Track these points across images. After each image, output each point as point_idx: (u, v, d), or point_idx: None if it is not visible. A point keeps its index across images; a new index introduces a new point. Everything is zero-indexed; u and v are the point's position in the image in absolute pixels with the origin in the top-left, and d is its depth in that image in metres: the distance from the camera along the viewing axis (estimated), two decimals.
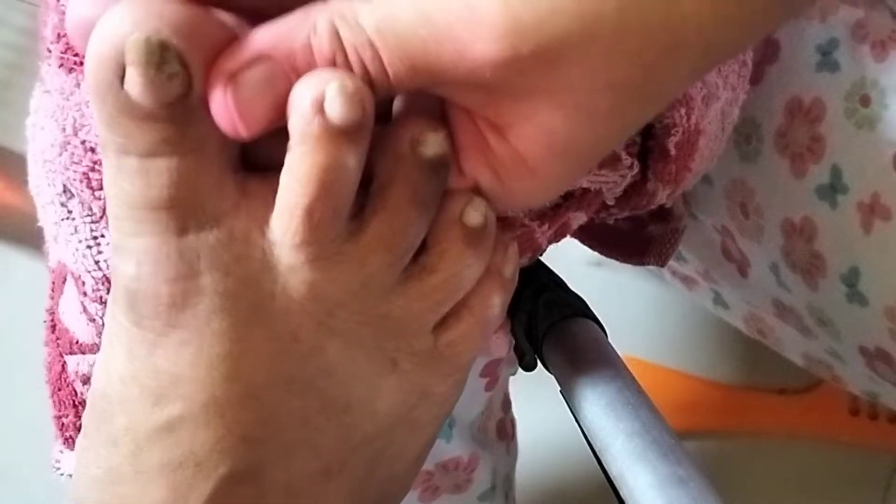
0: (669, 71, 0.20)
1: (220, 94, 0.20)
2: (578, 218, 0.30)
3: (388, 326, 0.24)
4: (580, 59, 0.20)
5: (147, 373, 0.23)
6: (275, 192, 0.22)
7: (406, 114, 0.23)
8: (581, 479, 0.73)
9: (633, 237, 0.39)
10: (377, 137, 0.22)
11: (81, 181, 0.26)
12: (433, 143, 0.22)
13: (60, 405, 0.30)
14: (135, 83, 0.19)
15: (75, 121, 0.26)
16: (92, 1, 0.20)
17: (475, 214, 0.24)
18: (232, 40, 0.21)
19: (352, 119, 0.20)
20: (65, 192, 0.27)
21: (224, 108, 0.20)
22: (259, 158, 0.23)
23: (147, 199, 0.21)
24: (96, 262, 0.27)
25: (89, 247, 0.27)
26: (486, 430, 0.45)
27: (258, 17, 0.21)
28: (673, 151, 0.29)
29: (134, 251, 0.22)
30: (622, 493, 0.26)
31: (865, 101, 0.34)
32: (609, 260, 0.41)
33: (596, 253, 0.42)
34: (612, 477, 0.27)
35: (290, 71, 0.20)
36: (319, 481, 0.25)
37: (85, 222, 0.27)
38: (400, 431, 0.26)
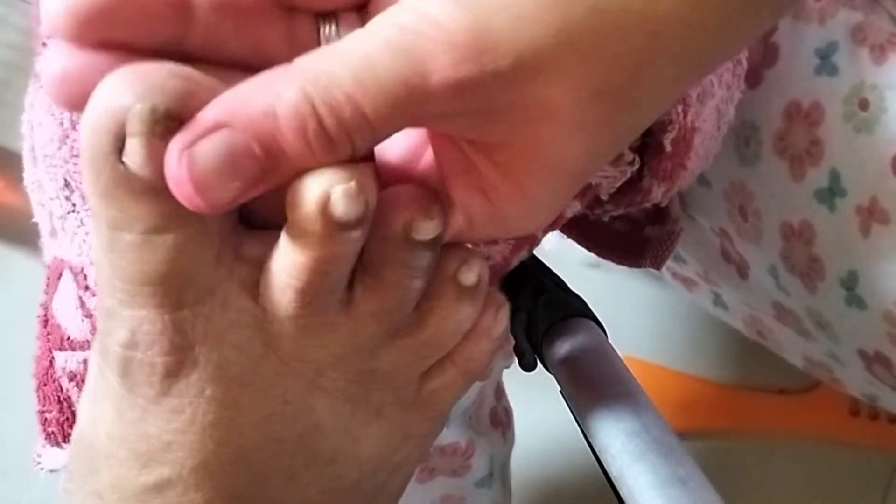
0: (653, 76, 0.20)
1: (174, 166, 0.18)
2: (572, 206, 0.30)
3: (374, 380, 0.24)
4: (560, 68, 0.19)
5: (136, 437, 0.22)
6: (267, 254, 0.21)
7: (397, 195, 0.22)
8: (581, 479, 0.73)
9: (630, 239, 0.40)
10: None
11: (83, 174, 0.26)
12: (427, 230, 0.21)
13: (45, 400, 0.30)
14: (136, 154, 0.18)
15: (73, 114, 0.26)
16: (67, 54, 0.19)
17: (470, 274, 0.23)
18: None
19: (356, 216, 0.19)
20: (66, 185, 0.27)
21: (179, 182, 0.18)
22: (251, 214, 0.22)
23: (142, 274, 0.20)
24: None
25: None
26: (480, 417, 0.45)
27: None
28: (668, 148, 0.29)
29: (128, 320, 0.21)
30: (622, 493, 0.26)
31: (864, 104, 0.34)
32: (606, 262, 0.41)
33: (593, 255, 0.42)
34: (612, 477, 0.27)
35: (250, 140, 0.18)
36: None
37: (89, 215, 0.27)
38: (383, 473, 0.26)
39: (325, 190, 0.19)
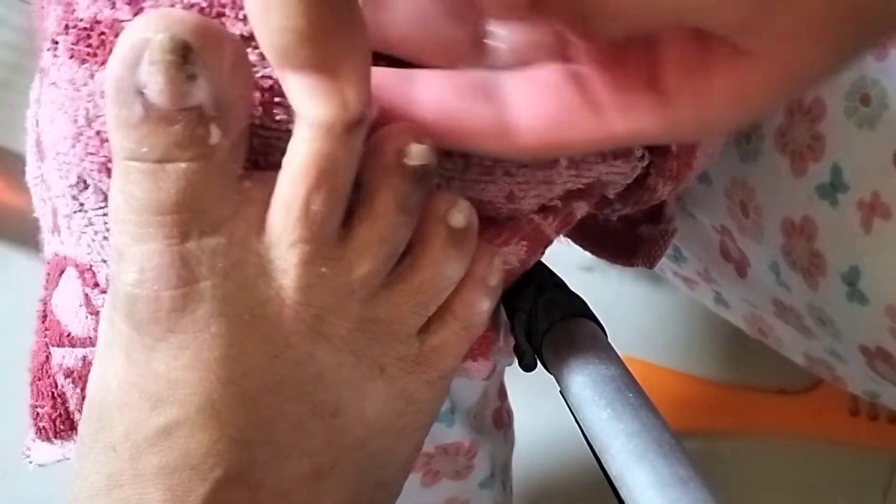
0: (884, 5, 0.20)
1: None
2: (581, 207, 0.30)
3: (375, 331, 0.25)
4: None
5: (146, 378, 0.23)
6: (272, 195, 0.22)
7: (392, 127, 0.23)
8: (580, 479, 0.73)
9: (624, 237, 0.40)
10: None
11: (100, 171, 0.26)
12: (418, 155, 0.23)
13: (39, 395, 0.30)
14: (155, 82, 0.20)
15: (88, 111, 0.26)
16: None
17: (459, 216, 0.24)
18: (244, 55, 0.21)
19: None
20: (77, 183, 0.27)
21: None
22: (258, 162, 0.23)
23: (154, 203, 0.21)
24: None
25: (105, 238, 0.27)
26: (483, 418, 0.45)
27: None
28: (674, 147, 0.29)
29: (137, 257, 0.22)
30: (622, 493, 0.26)
31: (866, 100, 0.34)
32: (600, 264, 0.41)
33: (587, 258, 0.42)
34: (612, 477, 0.27)
35: None
36: (311, 483, 0.25)
37: (98, 214, 0.27)
38: (388, 437, 0.26)
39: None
